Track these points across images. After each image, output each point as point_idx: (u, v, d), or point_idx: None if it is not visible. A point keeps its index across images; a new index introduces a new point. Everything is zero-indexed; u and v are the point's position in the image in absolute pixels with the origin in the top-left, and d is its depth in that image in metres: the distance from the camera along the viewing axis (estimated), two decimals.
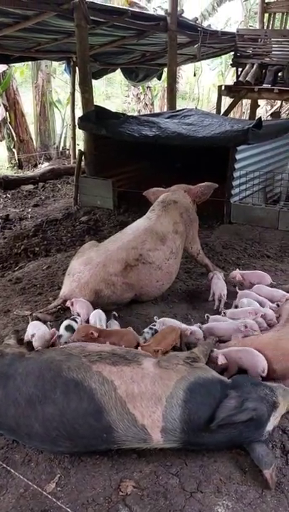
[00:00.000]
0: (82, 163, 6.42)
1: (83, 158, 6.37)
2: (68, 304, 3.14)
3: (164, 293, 3.68)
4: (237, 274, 3.62)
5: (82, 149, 6.47)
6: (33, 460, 2.00)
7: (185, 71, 18.46)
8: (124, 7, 7.73)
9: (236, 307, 3.20)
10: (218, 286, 3.38)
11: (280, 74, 8.95)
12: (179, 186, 4.02)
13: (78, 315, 2.95)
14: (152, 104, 17.34)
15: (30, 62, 10.85)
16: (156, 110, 16.47)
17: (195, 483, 1.85)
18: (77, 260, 3.45)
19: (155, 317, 3.01)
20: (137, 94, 17.27)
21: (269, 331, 2.71)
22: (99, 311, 3.00)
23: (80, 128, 6.37)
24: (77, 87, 7.77)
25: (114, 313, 3.10)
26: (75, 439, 1.94)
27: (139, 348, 2.52)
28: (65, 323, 2.83)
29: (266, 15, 10.39)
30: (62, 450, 1.99)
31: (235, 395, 1.98)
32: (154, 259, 3.39)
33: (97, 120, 5.85)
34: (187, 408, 1.93)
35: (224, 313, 3.09)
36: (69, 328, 2.78)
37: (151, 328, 2.84)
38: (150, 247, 3.41)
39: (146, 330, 2.84)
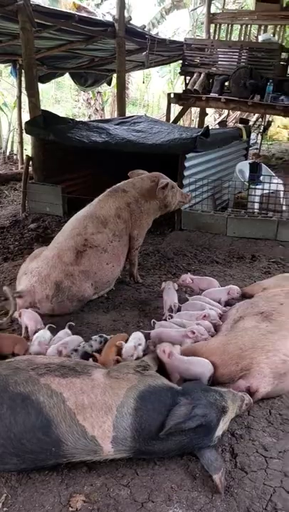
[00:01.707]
0: (30, 168, 6.28)
1: (31, 163, 6.24)
2: (16, 314, 3.06)
3: (115, 301, 3.68)
4: (187, 277, 3.69)
5: (30, 154, 6.34)
6: None
7: (135, 77, 18.63)
8: (71, 11, 7.68)
9: None
10: (170, 295, 3.40)
11: (226, 83, 9.24)
12: (154, 175, 4.02)
13: (26, 328, 2.87)
14: (103, 109, 17.33)
15: None
16: (107, 115, 16.50)
17: (146, 493, 1.84)
18: (31, 261, 3.49)
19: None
20: (88, 99, 17.21)
21: (217, 336, 2.76)
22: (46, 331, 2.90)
23: (27, 132, 6.25)
24: (24, 90, 7.61)
25: (70, 323, 3.05)
26: (23, 454, 1.87)
27: (91, 360, 2.50)
28: None
29: (212, 25, 10.68)
30: (9, 468, 1.91)
31: (185, 402, 1.99)
32: (98, 242, 3.51)
33: (44, 125, 5.76)
34: (138, 416, 1.93)
35: (171, 316, 3.13)
36: None
37: (101, 336, 2.81)
38: (93, 231, 3.53)
39: (94, 337, 2.80)
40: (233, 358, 2.45)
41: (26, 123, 6.02)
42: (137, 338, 2.71)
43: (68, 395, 1.94)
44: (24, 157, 7.16)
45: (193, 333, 2.71)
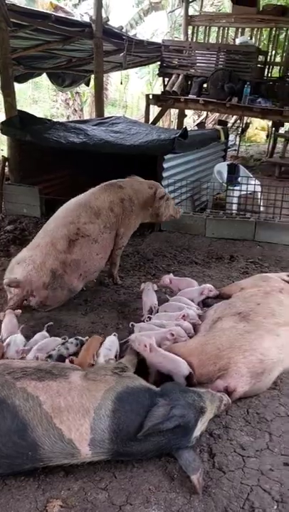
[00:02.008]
0: (6, 169, 6.19)
1: (7, 164, 6.15)
2: (1, 315, 3.05)
3: (94, 303, 3.65)
4: (167, 278, 3.69)
5: (6, 155, 6.24)
6: None
7: (114, 78, 18.59)
8: (48, 11, 7.60)
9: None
10: (149, 296, 3.40)
11: (204, 85, 9.31)
12: (152, 183, 4.11)
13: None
14: (82, 110, 17.23)
15: None
16: (86, 116, 16.40)
17: (124, 496, 1.83)
18: (22, 251, 3.49)
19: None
20: (66, 100, 17.08)
21: (195, 336, 2.77)
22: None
23: (2, 133, 6.13)
24: None
25: (49, 323, 3.06)
26: None
27: (67, 361, 2.47)
28: None
29: (190, 27, 10.74)
30: None
31: (163, 402, 1.99)
32: (90, 232, 3.52)
33: (21, 125, 5.68)
34: (116, 418, 1.92)
35: (149, 318, 3.13)
36: None
37: (76, 339, 2.79)
38: (85, 221, 3.54)
39: (70, 340, 2.78)
40: (211, 358, 2.46)
41: (2, 123, 5.92)
42: (108, 344, 2.70)
43: (45, 398, 1.91)
44: (0, 158, 7.04)
45: (172, 335, 2.71)
